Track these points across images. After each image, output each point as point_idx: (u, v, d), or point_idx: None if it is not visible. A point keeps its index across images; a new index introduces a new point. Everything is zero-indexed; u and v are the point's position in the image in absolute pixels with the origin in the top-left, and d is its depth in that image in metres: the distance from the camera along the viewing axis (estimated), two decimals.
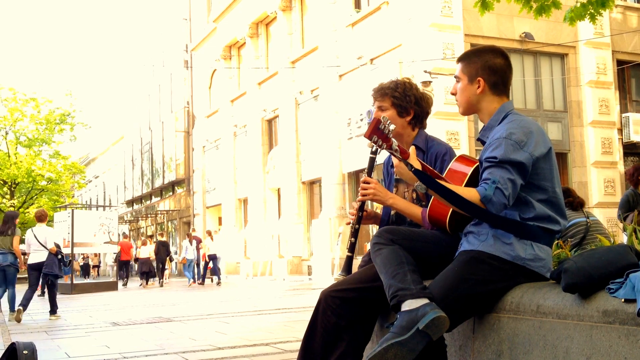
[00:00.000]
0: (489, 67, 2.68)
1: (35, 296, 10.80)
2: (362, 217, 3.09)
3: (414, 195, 3.10)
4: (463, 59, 2.75)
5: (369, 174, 3.04)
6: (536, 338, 2.28)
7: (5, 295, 10.31)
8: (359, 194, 3.00)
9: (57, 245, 10.61)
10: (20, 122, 36.26)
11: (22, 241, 11.18)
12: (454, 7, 15.74)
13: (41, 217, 10.72)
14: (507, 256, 2.46)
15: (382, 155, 3.06)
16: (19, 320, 9.63)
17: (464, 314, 2.50)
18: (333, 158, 19.20)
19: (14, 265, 10.23)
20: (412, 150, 2.57)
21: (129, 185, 43.02)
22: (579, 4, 7.15)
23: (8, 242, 10.16)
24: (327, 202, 19.51)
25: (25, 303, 9.89)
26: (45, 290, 14.51)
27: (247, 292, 15.18)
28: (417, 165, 2.53)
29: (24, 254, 11.15)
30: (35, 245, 10.36)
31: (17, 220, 10.58)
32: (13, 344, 3.71)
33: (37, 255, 10.38)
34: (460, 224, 2.68)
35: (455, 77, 2.77)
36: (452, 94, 2.79)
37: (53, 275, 10.42)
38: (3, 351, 3.89)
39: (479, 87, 2.67)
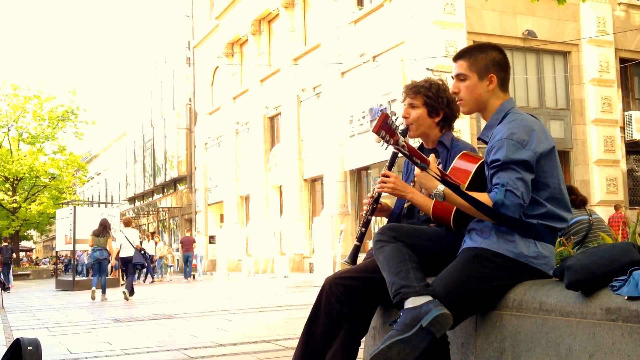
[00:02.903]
0: (497, 62, 2.65)
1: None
2: (375, 208, 3.10)
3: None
4: (464, 56, 2.68)
5: (390, 168, 3.05)
6: (539, 335, 2.28)
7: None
8: (377, 186, 3.01)
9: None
10: (22, 118, 36.31)
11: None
12: (457, 5, 15.72)
13: (128, 223, 14.67)
14: (510, 253, 2.46)
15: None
16: (127, 299, 12.75)
17: (467, 312, 2.50)
18: (335, 156, 19.19)
19: (107, 259, 13.82)
20: (432, 157, 2.57)
21: (130, 182, 43.06)
22: None
23: (103, 242, 13.78)
24: (328, 200, 19.51)
25: (131, 286, 13.15)
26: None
27: (248, 289, 15.19)
28: (437, 173, 2.53)
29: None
30: (125, 244, 13.98)
31: (110, 226, 14.27)
32: (18, 339, 3.72)
33: (127, 251, 13.98)
34: (464, 221, 2.68)
35: (458, 75, 2.68)
36: (454, 93, 2.71)
37: (140, 264, 14.34)
38: (7, 347, 3.90)
39: (490, 83, 2.64)
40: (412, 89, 3.15)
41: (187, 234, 25.61)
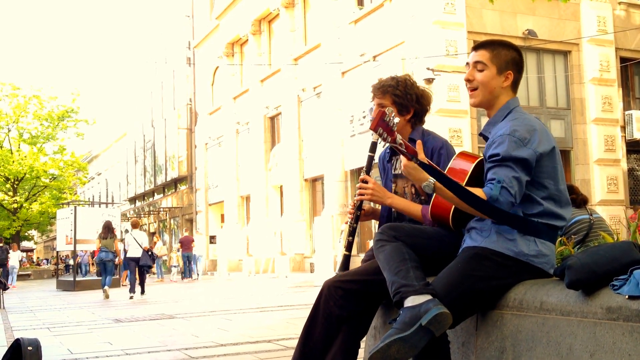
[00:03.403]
0: (516, 62, 2.65)
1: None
2: (359, 216, 3.08)
3: (413, 190, 3.09)
4: (487, 46, 2.65)
5: (367, 173, 3.03)
6: (539, 335, 2.28)
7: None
8: (357, 193, 3.00)
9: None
10: (23, 118, 36.31)
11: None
12: (457, 4, 15.72)
13: (136, 224, 15.28)
14: (511, 252, 2.46)
15: (379, 153, 3.04)
16: (136, 296, 13.75)
17: (467, 311, 2.49)
18: (335, 155, 19.19)
19: (112, 260, 14.78)
20: (419, 145, 2.55)
21: (131, 182, 43.07)
22: None
23: (110, 244, 14.68)
24: (329, 200, 19.51)
25: (133, 286, 13.69)
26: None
27: (249, 289, 15.19)
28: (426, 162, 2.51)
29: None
30: (133, 245, 14.57)
31: (114, 229, 15.32)
32: (18, 340, 3.72)
33: (135, 252, 14.52)
34: (463, 221, 2.67)
35: (476, 62, 2.64)
36: (468, 79, 2.66)
37: (147, 266, 14.80)
38: (7, 347, 3.90)
39: (506, 80, 2.63)
40: (379, 89, 3.11)
41: (186, 234, 25.65)
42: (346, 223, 3.16)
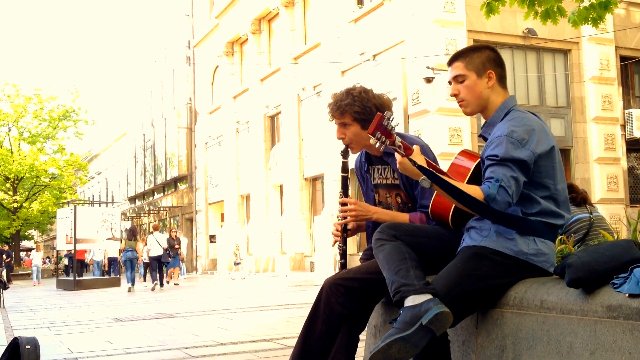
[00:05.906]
0: (493, 59, 2.66)
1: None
2: (347, 237, 3.09)
3: (399, 199, 3.07)
4: (459, 57, 2.67)
5: (345, 194, 3.03)
6: (540, 333, 2.28)
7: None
8: (339, 217, 3.00)
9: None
10: (23, 118, 36.31)
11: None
12: (457, 3, 15.70)
13: (157, 227, 18.61)
14: (510, 251, 2.46)
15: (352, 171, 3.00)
16: (153, 290, 16.29)
17: (468, 310, 2.49)
18: (335, 154, 19.17)
19: (137, 258, 17.92)
20: (416, 147, 2.55)
21: (131, 182, 43.06)
22: (582, 7, 7.09)
23: (134, 244, 17.88)
24: (329, 199, 19.51)
25: (155, 280, 17.01)
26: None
27: (249, 288, 15.19)
28: (422, 161, 2.50)
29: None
30: (155, 245, 17.48)
31: (137, 232, 18.25)
32: (16, 338, 3.72)
33: (156, 251, 17.40)
34: (463, 220, 2.67)
35: (456, 77, 2.66)
36: (454, 95, 2.69)
37: (167, 262, 17.92)
38: (6, 346, 3.90)
39: (489, 79, 2.63)
40: (337, 110, 3.03)
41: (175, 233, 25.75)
42: (333, 245, 3.18)
